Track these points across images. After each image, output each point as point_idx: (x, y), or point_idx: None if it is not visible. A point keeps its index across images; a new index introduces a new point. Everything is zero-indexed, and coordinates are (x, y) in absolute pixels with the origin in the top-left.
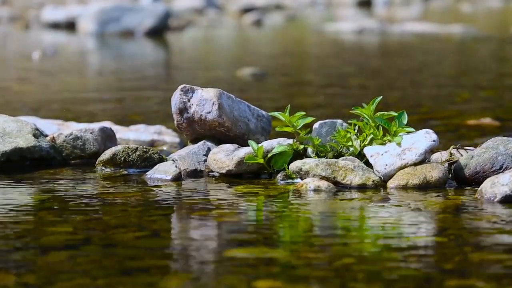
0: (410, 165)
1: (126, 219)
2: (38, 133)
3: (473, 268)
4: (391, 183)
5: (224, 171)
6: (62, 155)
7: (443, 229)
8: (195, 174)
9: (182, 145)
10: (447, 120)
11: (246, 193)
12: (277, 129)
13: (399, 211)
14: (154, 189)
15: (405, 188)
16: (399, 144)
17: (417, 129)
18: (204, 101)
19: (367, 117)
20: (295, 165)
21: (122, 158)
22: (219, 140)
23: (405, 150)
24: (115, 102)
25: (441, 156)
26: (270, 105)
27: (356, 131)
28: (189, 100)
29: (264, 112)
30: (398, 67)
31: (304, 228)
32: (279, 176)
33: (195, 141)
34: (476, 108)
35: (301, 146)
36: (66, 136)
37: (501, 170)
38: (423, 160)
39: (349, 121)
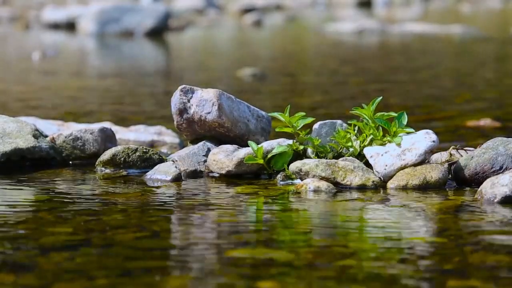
0: (410, 166)
1: (126, 220)
2: (38, 134)
3: (473, 268)
4: (391, 184)
5: (224, 172)
6: (62, 155)
7: (443, 229)
8: (195, 174)
9: (182, 145)
10: (447, 121)
11: (246, 194)
12: (277, 129)
13: (399, 212)
14: (154, 189)
15: (405, 188)
16: (399, 145)
17: (417, 129)
18: (204, 102)
19: (367, 117)
20: (295, 165)
21: (122, 159)
22: (219, 140)
23: (405, 151)
24: (115, 102)
25: (441, 156)
26: (270, 105)
27: (356, 131)
28: (189, 101)
29: (264, 113)
30: (398, 68)
31: (304, 229)
32: (279, 176)
33: (195, 141)
34: (476, 109)
35: (301, 147)
36: (66, 137)
37: (501, 171)
38: (423, 160)
39: (349, 122)
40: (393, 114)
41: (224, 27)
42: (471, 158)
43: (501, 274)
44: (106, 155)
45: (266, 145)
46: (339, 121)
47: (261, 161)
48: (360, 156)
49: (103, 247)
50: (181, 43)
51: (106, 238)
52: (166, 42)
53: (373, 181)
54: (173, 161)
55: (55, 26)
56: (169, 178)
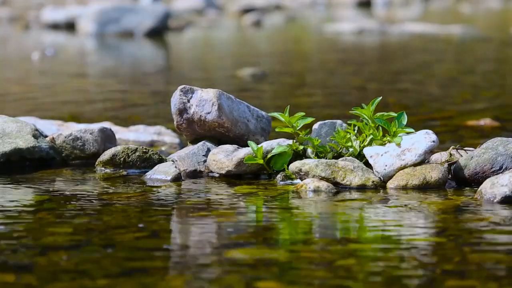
0: (410, 166)
1: (125, 220)
2: (37, 134)
3: (473, 268)
4: (390, 184)
5: (223, 172)
6: (61, 155)
7: (443, 229)
8: (195, 174)
9: (181, 145)
10: (447, 121)
11: (246, 194)
12: (276, 129)
13: (399, 212)
14: (153, 189)
15: (404, 188)
16: (398, 145)
17: (416, 129)
18: (204, 102)
19: (366, 117)
20: (294, 165)
21: (122, 159)
22: (218, 140)
23: (404, 151)
24: (115, 102)
25: (440, 156)
26: (269, 105)
27: (355, 131)
28: (188, 101)
29: (263, 113)
30: (398, 68)
31: (304, 229)
32: (279, 176)
33: (194, 141)
34: (476, 109)
35: (301, 147)
36: (65, 137)
37: (501, 171)
38: (423, 160)
39: (348, 122)
40: (393, 114)
41: (224, 27)
42: (470, 158)
43: (501, 274)
44: (106, 155)
45: (265, 145)
46: (339, 121)
47: (261, 161)
48: (360, 156)
49: (103, 247)
50: (181, 43)
51: (106, 238)
52: (166, 42)
53: (372, 181)
54: (172, 161)
55: (55, 26)
56: (168, 178)
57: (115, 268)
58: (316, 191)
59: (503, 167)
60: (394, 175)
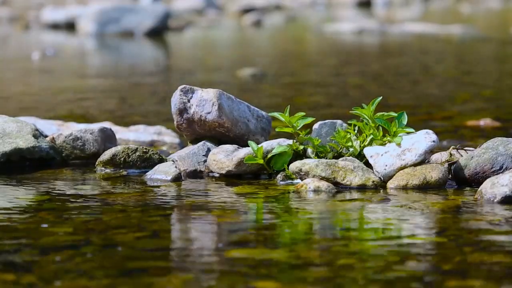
0: (410, 166)
1: (126, 220)
2: (38, 134)
3: (473, 268)
4: (390, 184)
5: (224, 172)
6: (61, 155)
7: (443, 229)
8: (195, 174)
9: (182, 145)
10: (447, 121)
11: (246, 194)
12: (277, 129)
13: (399, 212)
14: (154, 189)
15: (405, 188)
16: (399, 145)
17: (417, 129)
18: (204, 102)
19: (367, 117)
20: (295, 165)
21: (122, 159)
22: (219, 140)
23: (405, 151)
24: (115, 102)
25: (441, 156)
26: (270, 105)
27: (356, 131)
28: (189, 101)
29: (264, 113)
30: (398, 68)
31: (304, 229)
32: (279, 176)
33: (195, 141)
34: (476, 109)
35: (301, 147)
36: (66, 137)
37: (501, 171)
38: (423, 160)
39: (349, 122)
40: (393, 114)
41: (224, 27)
42: (471, 158)
43: (501, 274)
44: (106, 155)
45: (266, 145)
46: (339, 121)
47: (261, 161)
48: (360, 156)
49: (103, 247)
50: (181, 43)
51: (106, 238)
52: (166, 42)
53: (373, 181)
54: (173, 161)
55: (55, 26)
56: (169, 178)
57: (115, 268)
58: (316, 191)
59: (503, 167)
60: (394, 175)
